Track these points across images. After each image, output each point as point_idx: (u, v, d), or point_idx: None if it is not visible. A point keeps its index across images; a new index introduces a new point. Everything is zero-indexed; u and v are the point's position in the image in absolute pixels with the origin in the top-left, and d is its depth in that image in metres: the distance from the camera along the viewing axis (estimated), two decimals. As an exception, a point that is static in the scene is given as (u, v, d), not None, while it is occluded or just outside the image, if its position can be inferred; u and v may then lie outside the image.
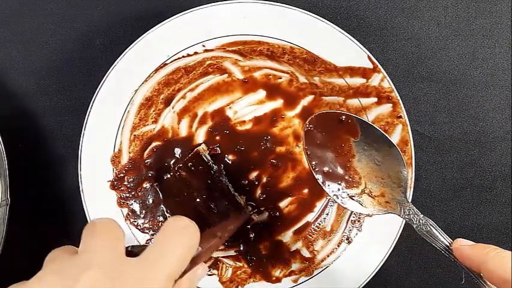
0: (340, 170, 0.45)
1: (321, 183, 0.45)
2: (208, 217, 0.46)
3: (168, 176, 0.47)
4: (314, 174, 0.45)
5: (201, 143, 0.48)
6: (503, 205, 0.51)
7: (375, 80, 0.47)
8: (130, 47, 0.46)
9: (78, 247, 0.50)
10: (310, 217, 0.49)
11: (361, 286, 0.46)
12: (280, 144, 0.49)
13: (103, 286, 0.27)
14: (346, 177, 0.45)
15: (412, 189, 0.47)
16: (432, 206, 0.51)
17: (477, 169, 0.51)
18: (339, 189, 0.45)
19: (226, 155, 0.49)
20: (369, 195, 0.44)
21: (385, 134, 0.43)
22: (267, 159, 0.49)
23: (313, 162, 0.45)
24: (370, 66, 0.47)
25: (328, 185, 0.45)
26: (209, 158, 0.46)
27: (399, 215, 0.42)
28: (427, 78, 0.51)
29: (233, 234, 0.47)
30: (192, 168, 0.46)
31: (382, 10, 0.51)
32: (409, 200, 0.45)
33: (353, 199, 0.44)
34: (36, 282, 0.29)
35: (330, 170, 0.45)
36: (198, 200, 0.46)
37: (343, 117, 0.44)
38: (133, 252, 0.31)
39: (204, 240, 0.34)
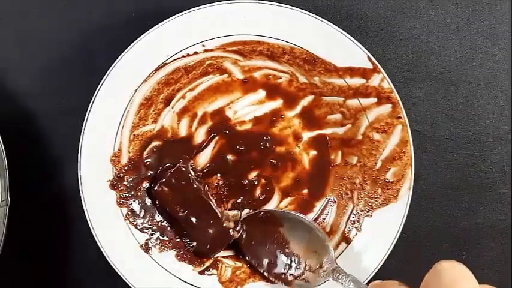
0: (281, 258, 0.47)
1: (267, 276, 0.47)
2: (190, 232, 0.47)
3: (155, 188, 0.47)
4: (258, 269, 0.47)
5: (182, 161, 0.48)
6: (503, 205, 0.51)
7: (375, 81, 0.47)
8: (130, 46, 0.46)
9: (76, 247, 0.50)
10: (309, 217, 0.49)
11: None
12: (279, 144, 0.49)
13: None
14: (288, 262, 0.46)
15: (411, 189, 0.47)
16: (432, 206, 0.51)
17: (477, 169, 0.51)
18: (284, 275, 0.46)
19: (226, 155, 0.49)
20: (310, 271, 0.46)
21: (298, 216, 0.47)
22: (266, 159, 0.49)
23: (254, 261, 0.47)
24: (370, 66, 0.47)
25: (275, 273, 0.46)
26: (192, 174, 0.47)
27: (335, 280, 0.44)
28: (427, 78, 0.51)
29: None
30: (174, 183, 0.46)
31: (382, 10, 0.51)
32: (409, 199, 0.46)
33: (298, 279, 0.46)
34: None
35: (272, 261, 0.47)
36: (180, 214, 0.46)
37: (261, 213, 0.47)
38: None
39: None
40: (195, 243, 0.47)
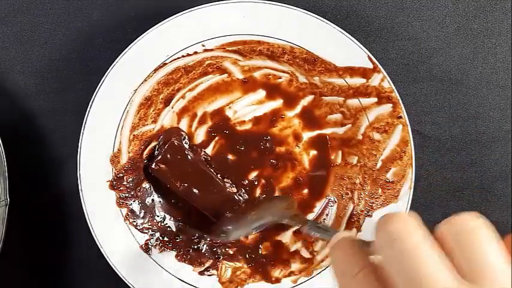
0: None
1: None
2: (194, 203, 0.47)
3: (152, 167, 0.47)
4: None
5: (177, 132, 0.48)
6: (503, 205, 0.51)
7: (375, 80, 0.47)
8: (129, 46, 0.46)
9: (76, 247, 0.50)
10: (310, 217, 0.49)
11: (361, 286, 0.46)
12: (279, 144, 0.49)
13: None
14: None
15: (412, 189, 0.46)
16: (432, 206, 0.51)
17: (477, 169, 0.51)
18: None
19: (226, 155, 0.49)
20: None
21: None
22: (266, 160, 0.49)
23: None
24: (370, 66, 0.47)
25: None
26: (186, 147, 0.47)
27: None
28: (427, 78, 0.51)
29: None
30: (170, 158, 0.46)
31: (382, 10, 0.51)
32: (409, 199, 0.47)
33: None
34: None
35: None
36: (180, 188, 0.46)
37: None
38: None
39: None
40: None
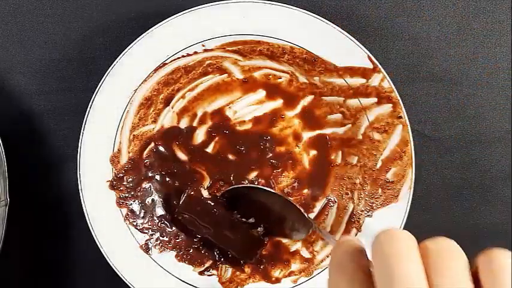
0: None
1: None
2: (224, 246, 0.47)
3: (175, 216, 0.47)
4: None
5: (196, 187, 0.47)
6: (503, 205, 0.51)
7: (375, 80, 0.47)
8: (129, 46, 0.46)
9: (76, 247, 0.50)
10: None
11: (361, 286, 0.46)
12: (280, 144, 0.49)
13: None
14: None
15: (412, 189, 0.46)
16: (432, 206, 0.51)
17: (477, 169, 0.51)
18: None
19: (227, 155, 0.49)
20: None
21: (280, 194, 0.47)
22: (266, 160, 0.49)
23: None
24: (370, 66, 0.47)
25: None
26: (204, 195, 0.47)
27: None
28: (427, 78, 0.51)
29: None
30: (190, 208, 0.46)
31: (382, 10, 0.51)
32: (409, 199, 0.46)
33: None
34: None
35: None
36: (206, 235, 0.46)
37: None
38: None
39: None
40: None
